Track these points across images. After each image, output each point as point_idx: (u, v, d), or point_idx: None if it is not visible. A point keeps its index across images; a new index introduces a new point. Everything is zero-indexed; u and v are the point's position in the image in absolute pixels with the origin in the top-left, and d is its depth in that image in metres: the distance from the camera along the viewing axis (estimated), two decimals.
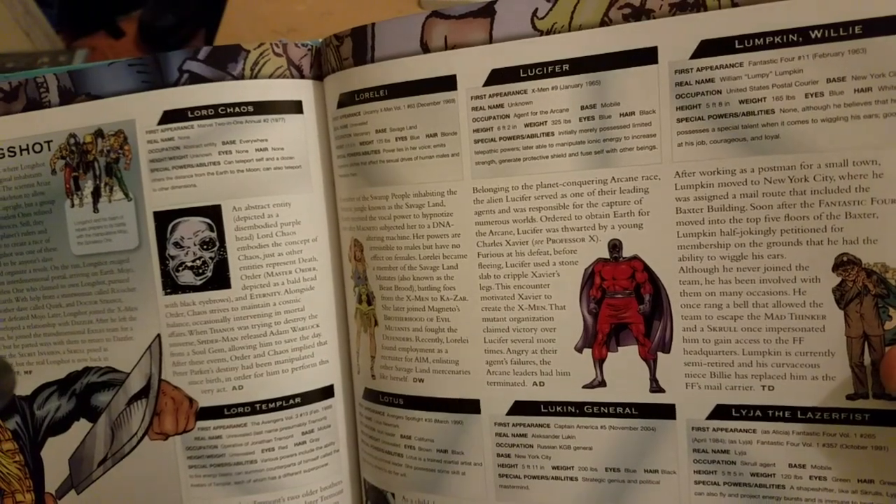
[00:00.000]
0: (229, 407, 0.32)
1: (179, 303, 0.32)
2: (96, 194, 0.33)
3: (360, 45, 0.30)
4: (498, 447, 0.30)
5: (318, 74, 0.33)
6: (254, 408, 0.32)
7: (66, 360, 0.34)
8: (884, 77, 0.24)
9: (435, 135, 0.29)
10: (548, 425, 0.29)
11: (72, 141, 0.33)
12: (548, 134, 0.28)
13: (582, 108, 0.27)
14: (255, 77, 0.32)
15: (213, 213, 0.32)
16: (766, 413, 0.27)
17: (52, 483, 0.35)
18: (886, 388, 0.24)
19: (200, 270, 0.32)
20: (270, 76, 0.32)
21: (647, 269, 0.28)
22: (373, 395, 0.32)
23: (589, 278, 0.28)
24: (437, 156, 0.29)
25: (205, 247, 0.32)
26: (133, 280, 0.33)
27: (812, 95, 0.25)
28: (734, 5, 0.25)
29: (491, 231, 0.29)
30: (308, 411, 0.33)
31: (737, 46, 0.25)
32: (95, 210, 0.33)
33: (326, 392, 0.33)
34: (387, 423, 0.32)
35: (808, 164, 0.25)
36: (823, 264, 0.25)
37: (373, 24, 0.30)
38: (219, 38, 0.57)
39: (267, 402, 0.32)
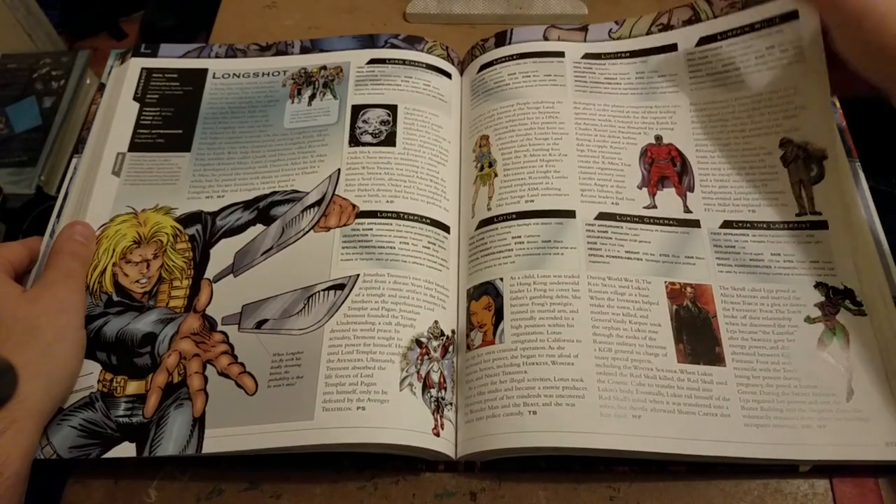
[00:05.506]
0: (382, 212, 0.44)
1: (359, 152, 0.47)
2: (312, 97, 0.50)
3: (501, 37, 0.52)
4: (588, 238, 0.42)
5: (461, 69, 0.54)
6: (399, 215, 0.44)
7: (257, 188, 0.46)
8: None
9: (550, 75, 0.49)
10: (621, 227, 0.42)
11: (302, 71, 0.52)
12: (617, 83, 0.48)
13: (637, 73, 0.48)
14: (429, 53, 0.52)
15: (391, 108, 0.49)
16: (752, 224, 0.42)
17: (211, 272, 0.43)
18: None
19: (377, 136, 0.47)
20: (437, 56, 0.52)
21: (678, 150, 0.45)
22: (488, 221, 0.44)
23: (643, 153, 0.45)
24: (550, 84, 0.48)
25: (383, 124, 0.48)
26: (327, 140, 0.48)
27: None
28: (714, 16, 0.48)
29: (585, 123, 0.47)
30: (432, 231, 0.44)
31: (719, 39, 0.47)
32: (309, 104, 0.50)
33: (445, 228, 0.45)
34: (499, 233, 0.43)
35: (759, 99, 0.45)
36: (774, 144, 0.44)
37: (511, 29, 0.52)
38: None
39: (408, 213, 0.44)
